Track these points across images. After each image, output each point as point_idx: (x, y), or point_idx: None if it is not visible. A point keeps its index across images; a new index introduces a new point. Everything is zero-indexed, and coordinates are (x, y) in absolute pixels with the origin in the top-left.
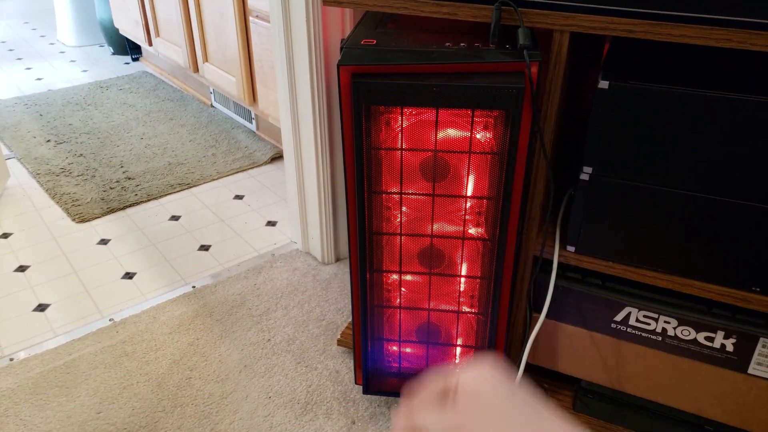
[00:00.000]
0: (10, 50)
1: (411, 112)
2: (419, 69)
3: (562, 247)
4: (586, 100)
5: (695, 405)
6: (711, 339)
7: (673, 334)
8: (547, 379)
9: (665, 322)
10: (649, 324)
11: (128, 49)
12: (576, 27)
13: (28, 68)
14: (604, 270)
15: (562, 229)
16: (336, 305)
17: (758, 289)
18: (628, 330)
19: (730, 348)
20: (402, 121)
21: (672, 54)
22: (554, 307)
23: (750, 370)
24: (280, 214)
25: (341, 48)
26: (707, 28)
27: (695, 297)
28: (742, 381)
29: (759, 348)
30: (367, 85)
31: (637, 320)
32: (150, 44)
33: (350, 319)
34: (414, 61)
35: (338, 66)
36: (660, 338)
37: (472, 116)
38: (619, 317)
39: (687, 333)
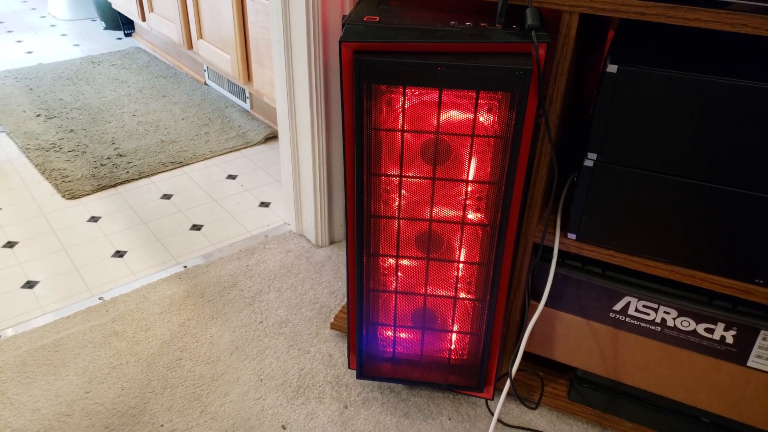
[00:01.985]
0: (1, 22)
1: (413, 92)
2: (423, 48)
3: (563, 235)
4: (587, 85)
5: (692, 396)
6: (711, 330)
7: (672, 325)
8: (542, 367)
9: (665, 312)
10: (648, 314)
11: (121, 24)
12: (586, 8)
13: (19, 41)
14: (605, 258)
15: (563, 216)
16: (329, 288)
17: (762, 282)
18: (627, 320)
19: (730, 340)
20: (404, 101)
21: (680, 39)
22: (553, 295)
23: (749, 363)
24: (274, 195)
25: (343, 24)
26: (722, 12)
27: (696, 288)
28: (740, 373)
29: (759, 341)
30: (370, 63)
31: (637, 310)
32: (143, 19)
33: (344, 303)
34: (418, 40)
35: (340, 42)
36: (659, 329)
37: (477, 98)
38: (618, 306)
39: (687, 324)
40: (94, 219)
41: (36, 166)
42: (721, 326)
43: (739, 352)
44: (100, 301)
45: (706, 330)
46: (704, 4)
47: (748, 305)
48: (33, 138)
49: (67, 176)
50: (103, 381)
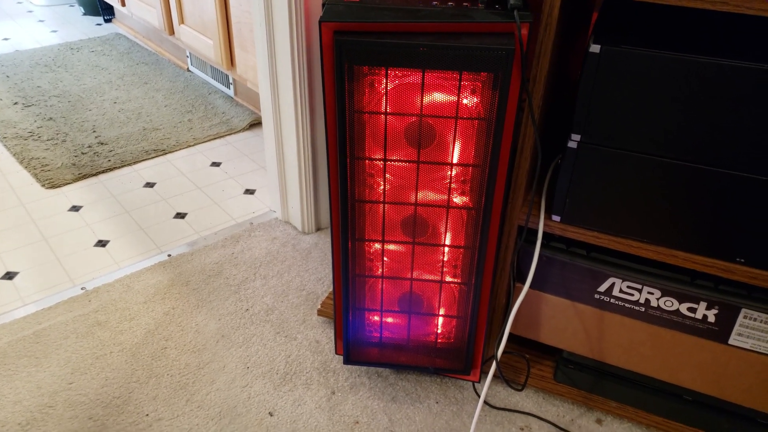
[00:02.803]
0: None
1: (396, 73)
2: (405, 28)
3: (547, 217)
4: (572, 67)
5: (675, 375)
6: (693, 310)
7: (656, 305)
8: (528, 350)
9: (648, 293)
10: (632, 295)
11: (100, 9)
12: None
13: None
14: (589, 240)
15: (548, 198)
16: (316, 275)
17: (742, 260)
18: (611, 301)
19: (711, 319)
20: (386, 83)
21: (664, 19)
22: (538, 277)
23: (730, 341)
24: (259, 182)
25: (323, 4)
26: None
27: (679, 268)
28: (722, 352)
29: (740, 319)
30: (351, 44)
31: (621, 291)
32: (123, 4)
33: (331, 289)
34: (400, 20)
35: (320, 23)
36: (643, 309)
37: (460, 79)
38: (602, 288)
39: (670, 304)
40: (75, 208)
41: (14, 155)
42: (703, 305)
43: (720, 331)
44: (83, 291)
45: (689, 309)
46: None
47: (729, 284)
48: (10, 126)
49: (46, 165)
50: (87, 372)
